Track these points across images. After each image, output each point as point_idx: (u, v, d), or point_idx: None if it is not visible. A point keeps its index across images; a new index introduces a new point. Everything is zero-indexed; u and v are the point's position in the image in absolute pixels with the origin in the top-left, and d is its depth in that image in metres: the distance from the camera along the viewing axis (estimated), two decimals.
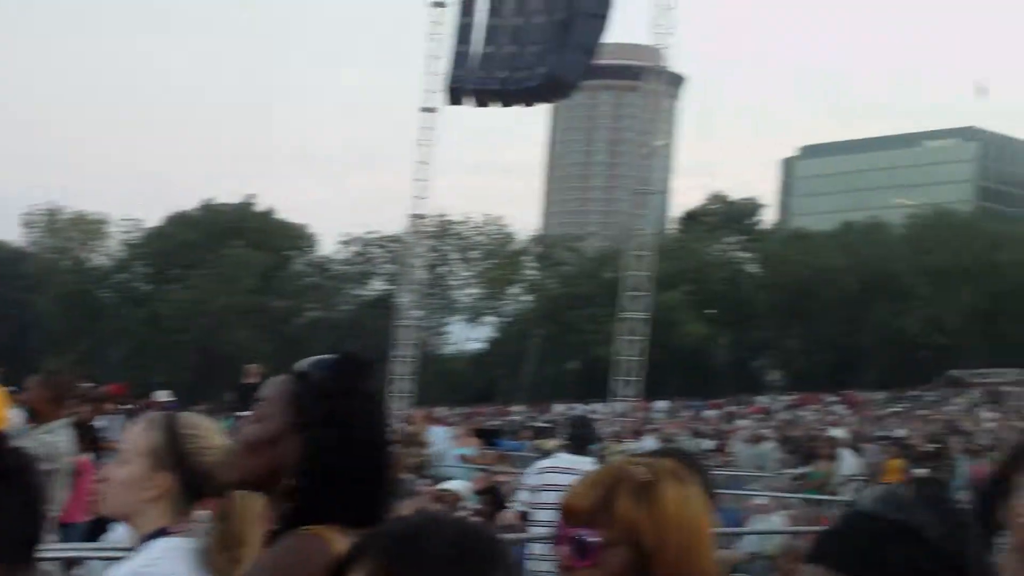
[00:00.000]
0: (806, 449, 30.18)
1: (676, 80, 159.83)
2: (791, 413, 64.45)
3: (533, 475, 12.01)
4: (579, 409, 64.66)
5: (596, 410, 59.49)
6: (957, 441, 25.58)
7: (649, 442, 31.77)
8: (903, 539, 2.15)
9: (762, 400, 77.52)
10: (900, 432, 38.15)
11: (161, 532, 3.95)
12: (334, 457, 3.08)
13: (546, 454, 30.27)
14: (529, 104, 56.72)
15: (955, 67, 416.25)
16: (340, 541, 2.88)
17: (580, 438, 12.51)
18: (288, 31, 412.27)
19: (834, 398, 75.27)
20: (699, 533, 2.87)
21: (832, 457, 24.46)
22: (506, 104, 55.23)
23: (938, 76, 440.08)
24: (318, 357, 3.27)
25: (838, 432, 30.47)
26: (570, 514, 2.78)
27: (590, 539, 2.73)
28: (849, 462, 24.39)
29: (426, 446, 16.28)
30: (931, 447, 24.67)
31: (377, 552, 2.14)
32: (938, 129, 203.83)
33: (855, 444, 28.27)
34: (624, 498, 2.78)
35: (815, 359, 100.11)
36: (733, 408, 67.19)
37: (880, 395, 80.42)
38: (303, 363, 3.25)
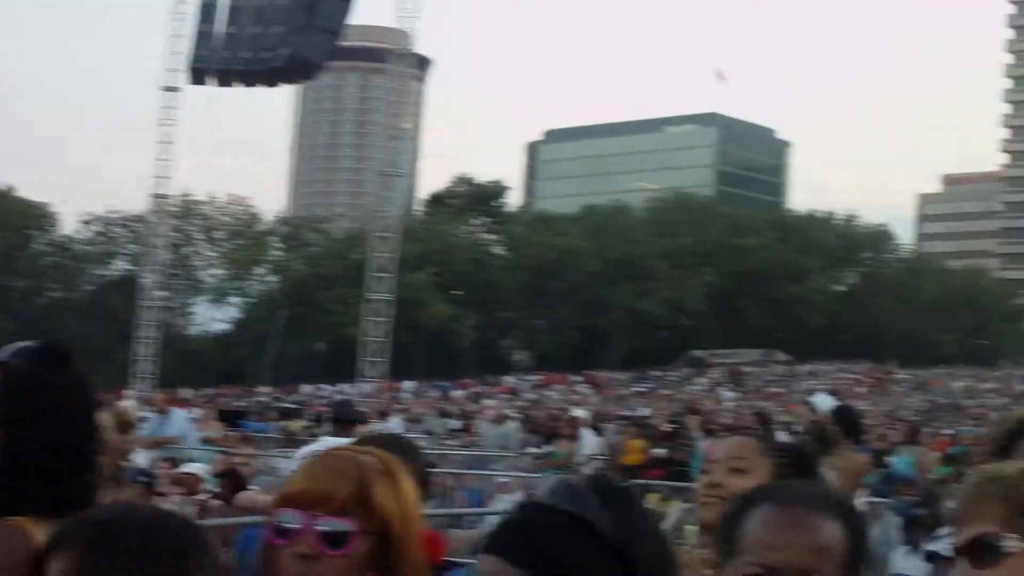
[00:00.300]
0: (548, 429, 30.55)
1: (423, 63, 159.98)
2: (537, 393, 65.17)
3: (298, 460, 11.88)
4: (327, 390, 64.56)
5: (343, 391, 59.43)
6: (695, 420, 26.07)
7: (395, 422, 31.86)
8: (574, 531, 2.18)
9: (509, 380, 78.20)
10: (643, 412, 38.83)
11: None
12: (34, 448, 3.04)
13: (290, 435, 30.16)
14: (273, 85, 56.42)
15: (696, 54, 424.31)
16: (41, 531, 2.84)
17: (343, 421, 12.47)
18: (34, 9, 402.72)
19: (578, 378, 76.32)
20: (419, 519, 2.91)
21: (573, 437, 24.80)
22: (249, 84, 54.86)
23: (679, 63, 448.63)
24: (17, 346, 3.20)
25: (580, 412, 30.85)
26: (318, 502, 2.72)
27: (346, 528, 2.71)
28: (590, 441, 24.75)
29: (136, 429, 15.94)
30: (669, 427, 25.09)
31: (74, 542, 2.12)
32: (679, 115, 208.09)
33: (596, 424, 28.69)
34: (379, 487, 2.77)
35: (560, 340, 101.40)
36: (480, 388, 67.67)
37: (623, 375, 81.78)
38: (1, 353, 3.19)
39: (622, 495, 2.30)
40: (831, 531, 2.60)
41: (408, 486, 2.87)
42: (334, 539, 2.69)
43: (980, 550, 2.65)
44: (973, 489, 2.76)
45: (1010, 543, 2.63)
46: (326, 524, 2.70)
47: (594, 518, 2.20)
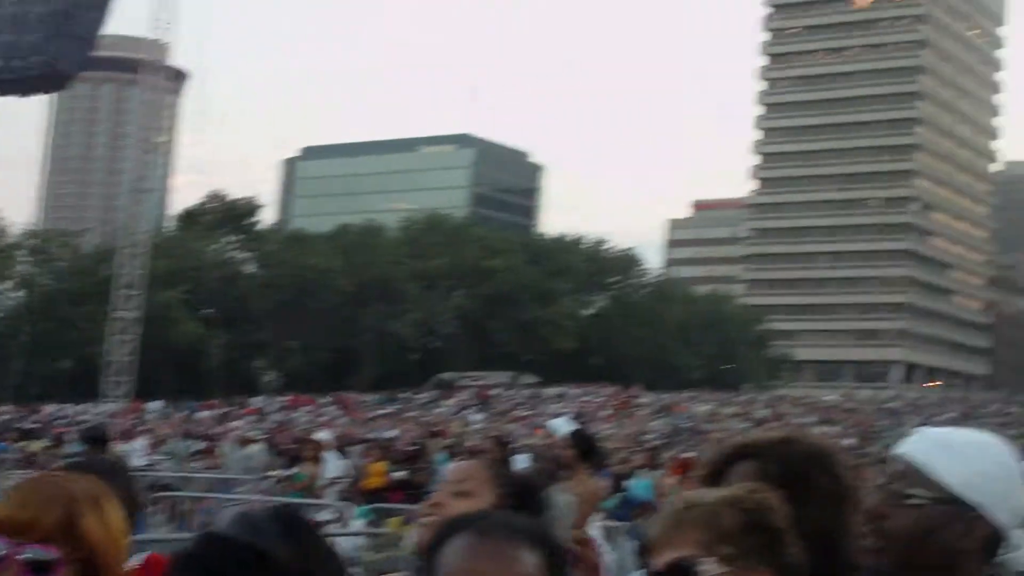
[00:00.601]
0: (293, 451, 30.35)
1: (178, 76, 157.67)
2: (284, 415, 64.45)
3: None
4: (69, 410, 63.07)
5: (87, 410, 58.19)
6: (436, 443, 26.16)
7: (139, 443, 31.32)
8: (250, 563, 2.24)
9: (256, 401, 77.29)
10: (390, 434, 38.75)
11: None
12: None
13: (30, 456, 29.49)
14: (26, 94, 55.21)
15: (453, 76, 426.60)
16: None
17: (92, 440, 12.33)
18: None
19: (327, 400, 75.78)
20: (126, 546, 2.95)
21: (317, 459, 24.67)
22: (1, 93, 53.62)
23: (437, 84, 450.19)
24: None
25: (324, 434, 30.68)
26: (23, 530, 2.71)
27: (51, 557, 2.70)
28: (334, 464, 24.62)
29: None
30: (411, 449, 25.14)
31: None
32: (435, 135, 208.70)
33: (341, 446, 28.59)
34: (88, 515, 2.78)
35: (311, 360, 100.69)
36: (227, 409, 66.70)
37: (372, 397, 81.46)
38: None
39: (302, 526, 2.36)
40: (528, 562, 2.66)
41: (115, 513, 2.90)
42: (39, 567, 2.69)
43: (677, 574, 2.78)
44: (672, 515, 2.89)
45: (707, 567, 2.77)
46: (31, 552, 2.69)
47: (271, 549, 2.25)
